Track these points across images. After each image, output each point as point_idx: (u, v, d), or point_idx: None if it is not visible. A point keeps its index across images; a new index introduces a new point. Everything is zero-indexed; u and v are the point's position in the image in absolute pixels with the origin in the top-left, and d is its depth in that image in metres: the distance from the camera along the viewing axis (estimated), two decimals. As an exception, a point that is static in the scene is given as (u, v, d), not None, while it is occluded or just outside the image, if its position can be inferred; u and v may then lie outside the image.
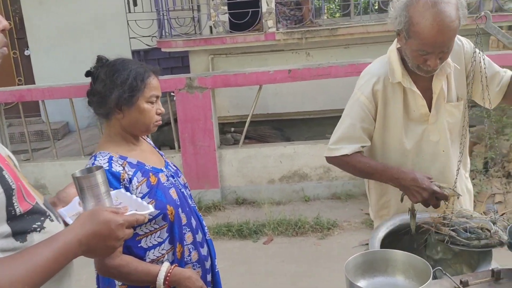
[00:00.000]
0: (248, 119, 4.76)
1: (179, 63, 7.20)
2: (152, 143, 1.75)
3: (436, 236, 1.50)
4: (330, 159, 1.85)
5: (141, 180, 1.47)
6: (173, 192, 1.53)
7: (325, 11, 9.04)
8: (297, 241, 3.97)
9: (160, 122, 1.54)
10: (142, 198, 1.44)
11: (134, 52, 6.85)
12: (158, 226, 1.49)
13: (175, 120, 4.69)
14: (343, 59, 5.23)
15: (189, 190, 1.70)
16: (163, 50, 5.96)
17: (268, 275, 3.49)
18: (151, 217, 1.44)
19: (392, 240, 1.70)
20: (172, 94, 4.76)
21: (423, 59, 1.58)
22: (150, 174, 1.51)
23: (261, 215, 4.38)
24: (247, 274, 3.52)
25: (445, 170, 1.81)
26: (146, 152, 1.61)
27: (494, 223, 1.42)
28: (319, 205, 4.57)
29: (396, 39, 1.76)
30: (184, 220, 1.54)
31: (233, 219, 4.31)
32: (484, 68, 1.64)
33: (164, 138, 6.02)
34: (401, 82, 1.71)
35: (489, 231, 1.39)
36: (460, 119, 1.81)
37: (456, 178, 1.63)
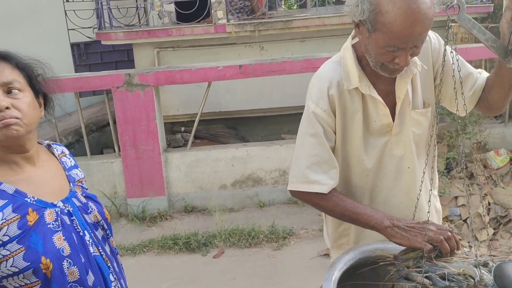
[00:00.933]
0: (197, 118, 4.39)
1: (124, 56, 6.68)
2: (71, 160, 1.34)
3: (406, 283, 1.19)
4: (299, 194, 1.48)
5: (11, 218, 1.08)
6: (58, 238, 1.13)
7: (282, 2, 8.72)
8: (251, 253, 3.65)
9: (9, 121, 1.10)
10: (9, 242, 1.07)
11: (73, 45, 6.29)
12: (29, 282, 1.09)
13: (115, 121, 4.23)
14: (299, 53, 4.93)
15: (104, 230, 1.28)
16: (103, 42, 5.45)
17: (217, 295, 3.15)
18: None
19: (351, 274, 1.41)
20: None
21: (391, 56, 1.26)
22: (30, 210, 1.11)
23: (212, 224, 4.02)
24: (195, 294, 3.18)
25: (410, 190, 1.52)
26: (40, 177, 1.20)
27: (477, 267, 1.12)
28: (275, 211, 4.26)
29: (351, 34, 1.43)
30: (73, 276, 1.14)
31: (181, 230, 3.93)
32: (459, 71, 1.33)
33: (107, 140, 5.56)
34: (358, 88, 1.39)
35: (473, 278, 1.09)
36: (427, 129, 1.52)
37: (429, 201, 1.32)
